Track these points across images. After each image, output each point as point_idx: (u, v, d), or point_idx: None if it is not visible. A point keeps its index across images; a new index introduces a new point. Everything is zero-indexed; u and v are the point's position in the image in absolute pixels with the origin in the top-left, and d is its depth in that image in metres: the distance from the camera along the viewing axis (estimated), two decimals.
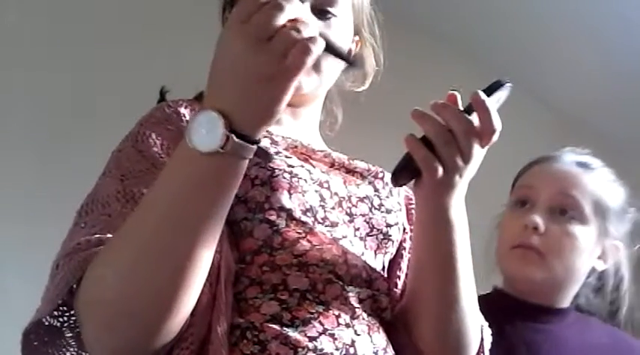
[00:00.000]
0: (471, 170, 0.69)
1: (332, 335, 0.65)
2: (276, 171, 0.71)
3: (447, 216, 0.70)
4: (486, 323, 0.81)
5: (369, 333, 0.68)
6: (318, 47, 0.55)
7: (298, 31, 0.54)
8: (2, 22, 1.80)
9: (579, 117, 2.84)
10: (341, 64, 0.83)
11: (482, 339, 0.78)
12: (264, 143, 0.73)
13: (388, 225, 0.78)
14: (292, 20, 0.55)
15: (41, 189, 1.76)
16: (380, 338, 0.70)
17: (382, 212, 0.78)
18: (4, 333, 1.60)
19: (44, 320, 0.64)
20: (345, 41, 0.83)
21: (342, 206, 0.75)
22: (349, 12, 0.85)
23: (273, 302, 0.65)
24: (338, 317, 0.67)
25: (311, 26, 0.56)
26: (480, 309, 1.05)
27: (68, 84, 1.85)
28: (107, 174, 0.74)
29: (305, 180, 0.73)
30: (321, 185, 0.75)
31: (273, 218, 0.69)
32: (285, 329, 0.63)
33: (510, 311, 1.04)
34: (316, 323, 0.65)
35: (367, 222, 0.77)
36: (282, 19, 0.54)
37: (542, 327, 1.04)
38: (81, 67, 1.88)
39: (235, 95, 0.56)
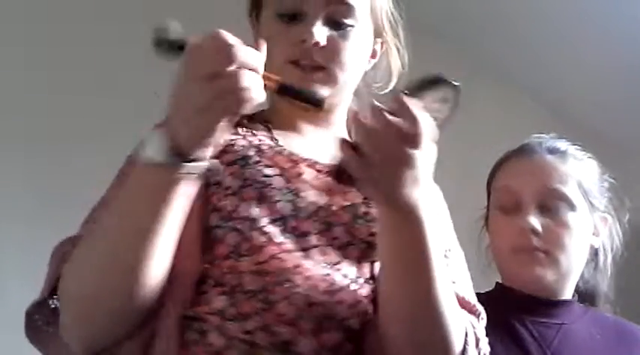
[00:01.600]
0: (413, 170, 0.65)
1: (271, 331, 0.69)
2: (248, 181, 0.75)
3: (396, 216, 0.67)
4: (476, 324, 0.76)
5: (314, 335, 0.70)
6: (254, 97, 0.62)
7: (244, 77, 0.61)
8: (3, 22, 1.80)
9: (579, 117, 2.84)
10: (364, 66, 0.88)
11: (465, 342, 0.71)
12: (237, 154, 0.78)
13: (372, 234, 0.76)
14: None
15: (41, 190, 1.76)
16: (328, 341, 0.71)
17: (367, 221, 0.77)
18: (4, 333, 1.60)
19: (50, 302, 0.72)
20: (363, 50, 0.85)
21: (319, 215, 0.76)
22: (367, 18, 0.86)
23: (223, 297, 0.71)
24: (282, 315, 0.69)
25: (254, 76, 0.62)
26: (485, 306, 1.05)
27: (68, 84, 1.85)
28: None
29: (279, 189, 0.76)
30: (296, 194, 0.76)
31: (240, 226, 0.73)
32: (227, 322, 0.69)
33: (517, 306, 1.05)
34: (257, 318, 0.69)
35: (348, 232, 0.76)
36: (228, 64, 0.60)
37: (551, 321, 1.04)
38: (82, 68, 1.87)
39: (176, 120, 0.64)
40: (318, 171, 0.80)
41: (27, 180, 1.76)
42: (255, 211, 0.74)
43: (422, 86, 0.69)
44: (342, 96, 0.88)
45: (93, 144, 1.83)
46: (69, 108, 1.85)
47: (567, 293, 1.07)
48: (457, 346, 0.70)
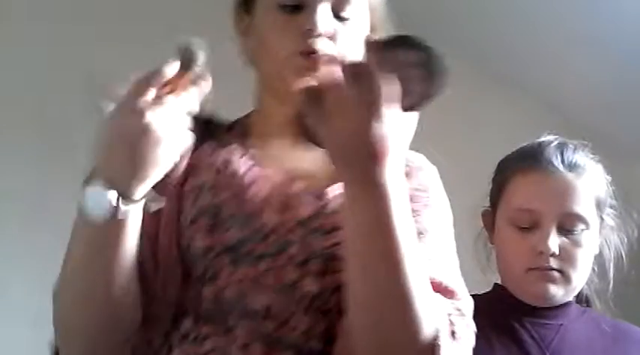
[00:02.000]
0: (374, 141, 0.60)
1: (222, 353, 0.72)
2: (198, 213, 0.76)
3: (358, 190, 0.63)
4: (453, 311, 0.71)
5: None
6: (159, 135, 0.65)
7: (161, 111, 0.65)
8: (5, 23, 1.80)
9: (579, 118, 2.84)
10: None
11: (437, 330, 0.66)
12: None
13: (334, 245, 0.73)
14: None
15: (41, 190, 1.76)
16: None
17: (324, 233, 0.74)
18: (4, 333, 1.61)
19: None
20: (354, 41, 0.81)
21: (273, 235, 0.75)
22: (365, 13, 0.84)
23: (188, 320, 0.75)
24: (237, 338, 0.72)
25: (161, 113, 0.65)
26: (483, 307, 1.05)
27: (69, 86, 1.85)
28: None
29: (231, 214, 0.75)
30: (250, 216, 0.75)
31: (199, 255, 0.75)
32: (187, 344, 0.73)
33: (516, 308, 1.05)
34: (209, 342, 0.72)
35: (305, 248, 0.74)
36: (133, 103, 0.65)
37: (549, 322, 1.04)
38: (83, 70, 1.88)
39: (107, 168, 0.68)
40: (282, 186, 0.78)
41: (27, 181, 1.76)
42: (209, 241, 0.75)
43: (395, 42, 0.63)
44: None
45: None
46: (69, 107, 1.85)
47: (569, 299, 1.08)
48: (427, 334, 0.64)
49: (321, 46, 0.77)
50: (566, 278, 1.03)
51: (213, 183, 0.78)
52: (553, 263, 1.02)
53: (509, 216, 1.07)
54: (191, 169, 0.79)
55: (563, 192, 1.04)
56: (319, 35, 0.76)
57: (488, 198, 1.16)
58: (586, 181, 1.05)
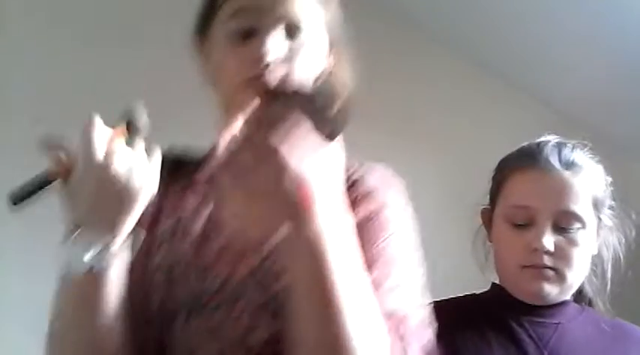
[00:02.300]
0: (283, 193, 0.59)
1: None
2: (155, 270, 0.79)
3: (296, 234, 0.62)
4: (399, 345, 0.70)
5: None
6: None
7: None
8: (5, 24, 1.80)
9: (579, 117, 2.84)
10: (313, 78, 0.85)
11: None
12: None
13: (284, 289, 0.73)
14: None
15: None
16: None
17: (275, 279, 0.75)
18: (3, 336, 1.61)
19: None
20: (310, 62, 0.82)
21: (230, 284, 0.77)
22: (321, 31, 0.84)
23: None
24: None
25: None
26: (481, 307, 1.05)
27: (69, 83, 1.85)
28: None
29: (187, 266, 0.78)
30: (205, 270, 0.78)
31: (157, 308, 0.78)
32: None
33: (513, 306, 1.05)
34: None
35: (259, 296, 0.75)
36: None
37: (547, 321, 1.04)
38: (82, 69, 1.88)
39: (85, 223, 0.70)
40: (235, 234, 0.79)
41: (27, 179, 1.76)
42: (165, 294, 0.77)
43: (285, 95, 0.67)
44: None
45: None
46: (69, 108, 1.85)
47: (566, 298, 1.08)
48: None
49: (269, 73, 0.77)
50: (561, 277, 1.03)
51: (172, 232, 0.80)
52: (547, 261, 1.02)
53: (506, 213, 1.08)
54: (157, 214, 0.82)
55: (560, 190, 1.04)
56: (268, 64, 0.76)
57: (488, 196, 1.16)
58: (583, 180, 1.05)
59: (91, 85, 1.88)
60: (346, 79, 0.90)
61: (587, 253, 1.06)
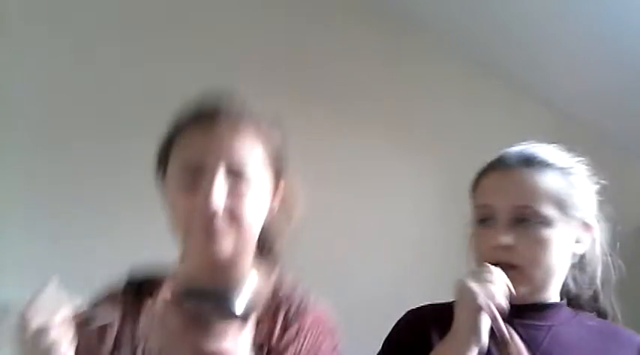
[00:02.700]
0: None
1: None
2: None
3: None
4: None
5: None
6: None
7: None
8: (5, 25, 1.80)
9: (579, 117, 2.84)
10: (262, 212, 0.94)
11: None
12: None
13: None
14: None
15: (41, 191, 1.76)
16: None
17: None
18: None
19: None
20: (254, 200, 0.89)
21: None
22: (262, 167, 0.91)
23: None
24: None
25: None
26: None
27: (70, 85, 1.85)
28: None
29: None
30: None
31: None
32: None
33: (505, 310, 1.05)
34: None
35: None
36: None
37: (539, 324, 1.04)
38: (82, 69, 1.87)
39: None
40: None
41: (27, 181, 1.76)
42: None
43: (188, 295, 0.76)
44: (246, 249, 0.93)
45: (93, 147, 1.83)
46: (69, 109, 1.85)
47: (553, 296, 1.07)
48: None
49: (216, 221, 0.85)
50: (524, 275, 1.02)
51: None
52: (506, 258, 1.01)
53: (474, 214, 1.09)
54: (117, 342, 0.89)
55: (517, 186, 1.05)
56: (211, 215, 0.84)
57: None
58: (543, 177, 1.05)
59: (92, 88, 1.88)
60: (293, 210, 0.99)
61: (558, 251, 1.04)
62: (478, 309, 0.88)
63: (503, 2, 2.43)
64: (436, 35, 2.58)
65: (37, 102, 1.81)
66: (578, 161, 1.13)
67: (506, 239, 1.02)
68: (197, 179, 0.86)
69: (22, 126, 1.78)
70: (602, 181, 1.14)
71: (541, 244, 1.02)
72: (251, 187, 0.88)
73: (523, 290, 1.02)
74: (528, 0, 2.38)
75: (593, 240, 1.11)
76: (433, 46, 2.60)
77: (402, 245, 2.34)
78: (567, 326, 1.05)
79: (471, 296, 0.91)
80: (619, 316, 1.13)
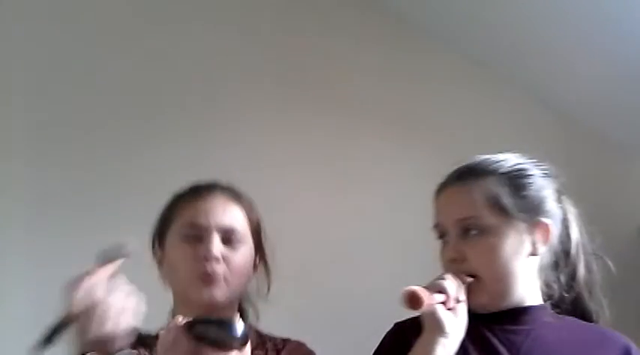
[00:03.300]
0: None
1: None
2: None
3: None
4: None
5: None
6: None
7: None
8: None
9: (579, 117, 2.84)
10: (248, 269, 1.15)
11: None
12: None
13: None
14: None
15: (41, 191, 1.76)
16: None
17: None
18: (5, 336, 1.61)
19: None
20: (241, 262, 1.12)
21: None
22: (249, 238, 1.14)
23: None
24: None
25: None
26: None
27: (70, 85, 1.85)
28: None
29: None
30: None
31: None
32: None
33: (485, 317, 1.06)
34: None
35: None
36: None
37: (519, 328, 1.05)
38: (82, 69, 1.88)
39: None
40: None
41: (27, 183, 1.76)
42: None
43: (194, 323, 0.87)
44: (236, 297, 1.14)
45: (93, 147, 1.83)
46: (69, 109, 1.85)
47: (529, 300, 1.08)
48: None
49: (214, 268, 1.07)
50: (483, 283, 1.04)
51: None
52: (463, 269, 1.05)
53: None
54: None
55: (455, 201, 1.10)
56: (213, 258, 1.06)
57: None
58: (480, 187, 1.08)
59: (92, 88, 1.88)
60: (269, 279, 1.20)
61: (510, 256, 1.05)
62: (421, 303, 0.92)
63: (504, 2, 2.44)
64: (435, 34, 2.58)
65: (38, 102, 1.81)
66: (532, 162, 1.14)
67: (452, 253, 1.07)
68: (198, 233, 1.09)
69: (22, 126, 1.79)
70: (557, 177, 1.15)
71: (490, 252, 1.05)
72: (241, 244, 1.12)
73: (485, 297, 1.04)
74: (528, 0, 2.38)
75: (567, 239, 1.13)
76: (432, 45, 2.60)
77: (404, 244, 2.34)
78: (549, 329, 1.06)
79: (409, 294, 0.94)
80: (608, 317, 1.14)
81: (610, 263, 1.15)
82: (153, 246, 1.18)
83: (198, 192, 1.15)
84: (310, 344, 1.18)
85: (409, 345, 1.00)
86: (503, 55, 2.67)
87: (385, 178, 2.33)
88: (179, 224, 1.12)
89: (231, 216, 1.13)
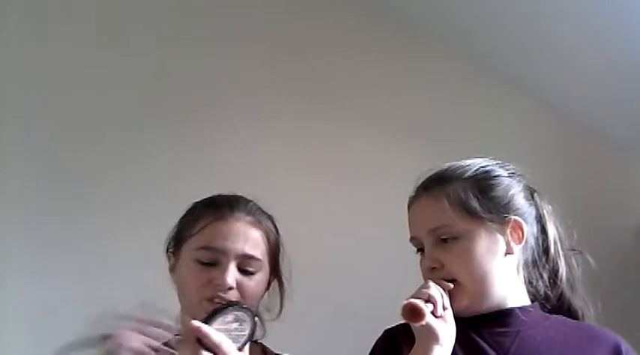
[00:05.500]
0: None
1: None
2: None
3: None
4: None
5: None
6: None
7: None
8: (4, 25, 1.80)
9: (579, 117, 2.84)
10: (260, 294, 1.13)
11: None
12: None
13: None
14: None
15: (41, 192, 1.76)
16: None
17: None
18: (3, 337, 1.61)
19: None
20: (256, 288, 1.09)
21: None
22: (265, 264, 1.11)
23: None
24: None
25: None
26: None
27: (70, 84, 1.85)
28: None
29: None
30: None
31: None
32: None
33: (473, 320, 1.06)
34: None
35: None
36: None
37: (506, 330, 1.05)
38: (82, 69, 1.88)
39: None
40: None
41: (26, 187, 1.76)
42: None
43: (211, 315, 0.91)
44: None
45: (93, 148, 1.83)
46: (69, 109, 1.85)
47: (513, 302, 1.08)
48: None
49: (227, 295, 1.04)
50: (462, 287, 1.05)
51: None
52: (442, 275, 1.06)
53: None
54: None
55: (423, 212, 1.12)
56: (226, 288, 1.04)
57: None
58: (445, 194, 1.09)
59: (92, 88, 1.88)
60: (282, 301, 1.20)
61: (485, 258, 1.05)
62: (422, 316, 0.94)
63: (506, 2, 2.44)
64: (435, 34, 2.58)
65: (37, 102, 1.81)
66: (497, 164, 1.15)
67: (429, 262, 1.08)
68: (214, 257, 1.06)
69: (22, 126, 1.78)
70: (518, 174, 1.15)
71: (465, 255, 1.05)
72: (258, 270, 1.09)
73: (466, 300, 1.05)
74: (528, 1, 2.38)
75: (544, 236, 1.13)
76: (432, 45, 2.60)
77: (403, 247, 2.34)
78: (537, 329, 1.06)
79: (410, 307, 0.96)
80: (592, 314, 1.14)
81: (590, 258, 1.17)
82: (167, 250, 1.15)
83: (220, 211, 1.10)
84: (308, 347, 1.17)
85: (400, 351, 1.01)
86: (503, 56, 2.68)
87: (386, 181, 2.33)
88: (196, 240, 1.09)
89: (252, 244, 1.09)
